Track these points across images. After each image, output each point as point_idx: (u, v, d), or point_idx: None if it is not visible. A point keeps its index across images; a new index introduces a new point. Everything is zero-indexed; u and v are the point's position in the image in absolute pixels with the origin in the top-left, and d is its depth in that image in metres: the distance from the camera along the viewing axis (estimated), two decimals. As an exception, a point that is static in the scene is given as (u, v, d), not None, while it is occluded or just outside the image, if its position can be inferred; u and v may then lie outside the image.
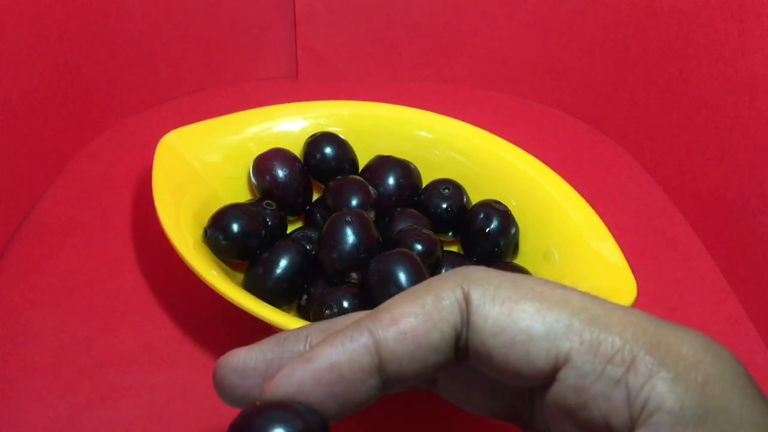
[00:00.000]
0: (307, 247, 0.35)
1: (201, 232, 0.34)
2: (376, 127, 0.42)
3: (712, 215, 0.43)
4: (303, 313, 0.33)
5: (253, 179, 0.38)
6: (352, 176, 0.38)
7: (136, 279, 0.37)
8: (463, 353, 0.16)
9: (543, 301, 0.15)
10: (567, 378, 0.14)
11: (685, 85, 0.45)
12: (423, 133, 0.42)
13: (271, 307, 0.29)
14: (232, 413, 0.32)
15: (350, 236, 0.33)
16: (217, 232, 0.33)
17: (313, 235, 0.37)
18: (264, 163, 0.38)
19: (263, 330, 0.35)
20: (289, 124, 0.41)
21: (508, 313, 0.15)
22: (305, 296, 0.34)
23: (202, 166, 0.37)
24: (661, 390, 0.13)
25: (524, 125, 0.52)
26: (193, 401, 0.32)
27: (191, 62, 0.52)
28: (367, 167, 0.39)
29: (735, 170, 0.41)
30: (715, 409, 0.13)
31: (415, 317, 0.15)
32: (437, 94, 0.54)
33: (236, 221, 0.34)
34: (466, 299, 0.15)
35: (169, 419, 0.31)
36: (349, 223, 0.33)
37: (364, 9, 0.53)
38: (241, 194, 0.39)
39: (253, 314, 0.28)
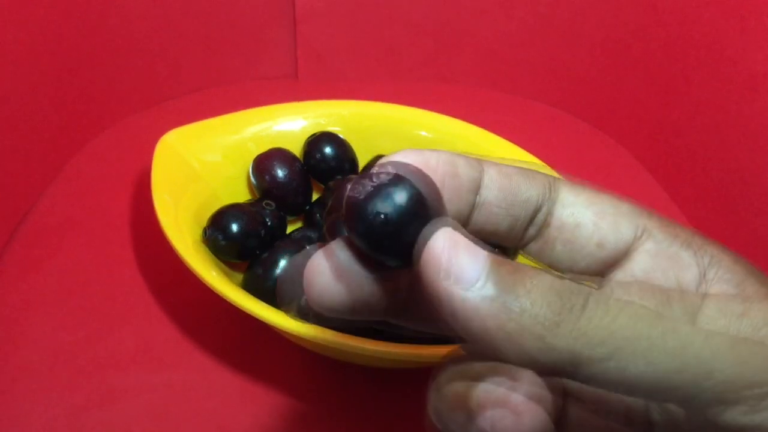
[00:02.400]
0: (307, 247, 0.35)
1: (200, 232, 0.34)
2: (376, 127, 0.42)
3: (712, 215, 0.43)
4: (303, 313, 0.33)
5: (252, 179, 0.38)
6: (352, 176, 0.38)
7: (135, 279, 0.37)
8: (533, 229, 0.18)
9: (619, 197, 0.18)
10: (647, 246, 0.18)
11: (685, 85, 0.45)
12: (423, 133, 0.42)
13: (271, 307, 0.29)
14: (231, 414, 0.32)
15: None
16: (217, 232, 0.33)
17: (313, 235, 0.36)
18: (263, 163, 0.38)
19: (263, 330, 0.35)
20: (289, 124, 0.40)
21: (596, 192, 0.18)
22: (305, 296, 0.33)
23: (202, 165, 0.37)
24: (718, 251, 0.17)
25: (524, 125, 0.52)
26: (192, 402, 0.32)
27: (191, 62, 0.52)
28: (367, 167, 0.39)
29: (735, 170, 0.41)
30: (756, 271, 0.17)
31: (516, 170, 0.18)
32: (437, 94, 0.54)
33: (235, 221, 0.33)
34: (552, 184, 0.18)
35: (168, 420, 0.31)
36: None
37: (364, 8, 0.53)
38: (241, 194, 0.39)
39: (252, 314, 0.28)
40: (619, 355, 0.13)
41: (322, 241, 0.34)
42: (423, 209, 0.15)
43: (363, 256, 0.15)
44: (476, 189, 0.17)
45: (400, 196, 0.14)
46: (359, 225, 0.14)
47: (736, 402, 0.13)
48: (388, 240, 0.14)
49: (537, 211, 0.18)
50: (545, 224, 0.18)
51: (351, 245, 0.16)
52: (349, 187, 0.15)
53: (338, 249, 0.16)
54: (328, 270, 0.16)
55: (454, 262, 0.14)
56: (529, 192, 0.18)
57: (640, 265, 0.18)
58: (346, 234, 0.15)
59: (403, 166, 0.15)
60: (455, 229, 0.15)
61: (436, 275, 0.14)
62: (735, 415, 0.13)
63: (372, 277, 0.16)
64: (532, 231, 0.18)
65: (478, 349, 0.14)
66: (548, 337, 0.13)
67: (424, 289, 0.14)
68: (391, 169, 0.15)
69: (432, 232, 0.14)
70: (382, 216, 0.14)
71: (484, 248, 0.14)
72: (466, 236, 0.14)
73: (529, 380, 0.14)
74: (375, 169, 0.15)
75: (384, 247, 0.14)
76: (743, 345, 0.13)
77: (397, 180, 0.15)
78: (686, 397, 0.14)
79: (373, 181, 0.14)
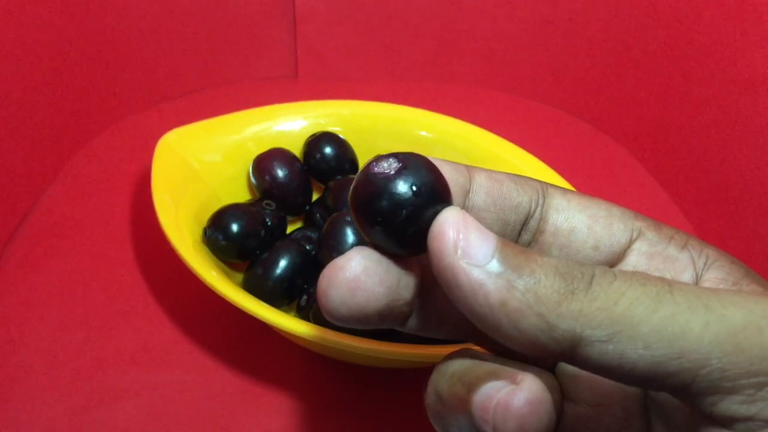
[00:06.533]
0: (307, 247, 0.35)
1: (200, 232, 0.34)
2: (376, 126, 0.42)
3: (713, 215, 0.43)
4: (303, 313, 0.33)
5: (252, 179, 0.38)
6: (352, 176, 0.38)
7: (135, 279, 0.37)
8: (527, 235, 0.18)
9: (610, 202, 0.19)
10: (641, 247, 0.18)
11: (685, 85, 0.45)
12: (423, 133, 0.42)
13: (271, 307, 0.29)
14: (231, 414, 0.32)
15: (350, 236, 0.32)
16: (217, 233, 0.33)
17: (313, 235, 0.36)
18: (263, 163, 0.38)
19: (263, 330, 0.35)
20: (289, 124, 0.40)
21: (588, 197, 0.18)
22: (305, 296, 0.34)
23: (202, 165, 0.37)
24: (714, 253, 0.17)
25: (524, 125, 0.52)
26: (192, 401, 0.32)
27: (191, 62, 0.52)
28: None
29: (735, 170, 0.41)
30: (753, 272, 0.17)
31: (506, 176, 0.18)
32: (437, 94, 0.54)
33: (235, 221, 0.33)
34: (544, 190, 0.18)
35: (168, 420, 0.31)
36: (349, 223, 0.33)
37: (364, 9, 0.53)
38: (241, 194, 0.39)
39: (252, 314, 0.28)
40: (618, 338, 0.13)
41: (323, 241, 0.34)
42: (444, 189, 0.15)
43: (380, 252, 0.16)
44: (464, 193, 0.17)
45: (426, 174, 0.15)
46: (384, 201, 0.14)
47: (732, 391, 0.13)
48: (412, 218, 0.15)
49: (529, 216, 0.18)
50: (539, 230, 0.18)
51: (367, 252, 0.16)
52: (370, 170, 0.15)
53: (353, 260, 0.16)
54: (343, 281, 0.16)
55: (463, 237, 0.14)
56: (520, 197, 0.18)
57: (636, 267, 0.18)
58: (367, 220, 0.15)
59: (406, 152, 0.15)
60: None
61: (444, 249, 0.14)
62: (731, 404, 0.14)
63: (386, 288, 0.16)
64: (526, 237, 0.18)
65: (479, 332, 0.14)
66: (550, 316, 0.13)
67: (431, 265, 0.14)
68: (398, 154, 0.15)
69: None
70: (414, 190, 0.14)
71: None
72: None
73: (531, 383, 0.14)
74: (376, 158, 0.15)
75: (407, 225, 0.15)
76: (741, 334, 0.13)
77: (414, 158, 0.15)
78: (682, 384, 0.14)
79: (389, 163, 0.15)
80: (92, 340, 0.34)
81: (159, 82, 0.50)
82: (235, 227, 0.33)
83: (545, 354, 0.14)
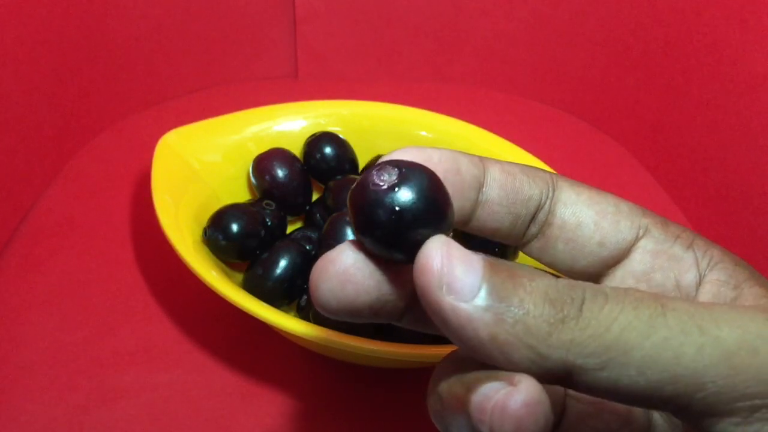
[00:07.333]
0: (307, 247, 0.35)
1: (200, 232, 0.34)
2: (376, 126, 0.42)
3: (713, 215, 0.43)
4: (303, 313, 0.33)
5: (252, 179, 0.38)
6: (352, 176, 0.38)
7: (135, 279, 0.37)
8: (535, 228, 0.18)
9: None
10: (647, 245, 0.18)
11: (685, 85, 0.45)
12: (423, 133, 0.42)
13: (271, 307, 0.29)
14: (231, 414, 0.32)
15: (350, 236, 0.32)
16: (217, 233, 0.33)
17: (313, 235, 0.36)
18: (264, 163, 0.38)
19: (263, 330, 0.35)
20: (289, 124, 0.40)
21: (597, 191, 0.18)
22: (305, 296, 0.34)
23: (202, 165, 0.37)
24: (719, 253, 0.17)
25: (524, 125, 0.52)
26: (192, 401, 0.32)
27: (191, 62, 0.52)
28: (367, 167, 0.39)
29: (735, 170, 0.41)
30: (756, 273, 0.17)
31: (518, 168, 0.18)
32: (437, 93, 0.54)
33: (235, 221, 0.33)
34: (554, 182, 0.18)
35: (168, 420, 0.31)
36: (349, 223, 0.33)
37: (364, 9, 0.53)
38: (241, 194, 0.39)
39: (252, 314, 0.28)
40: (611, 365, 0.13)
41: (323, 241, 0.34)
42: (436, 211, 0.15)
43: (370, 254, 0.16)
44: (478, 186, 0.17)
45: (420, 194, 0.14)
46: (379, 215, 0.14)
47: (728, 414, 0.13)
48: (396, 237, 0.14)
49: (539, 209, 0.18)
50: (547, 223, 0.18)
51: (358, 246, 0.16)
52: (368, 177, 0.15)
53: (343, 253, 0.16)
54: (333, 274, 0.15)
55: (447, 272, 0.14)
56: (531, 190, 0.18)
57: (641, 264, 0.18)
58: (357, 226, 0.15)
59: (413, 163, 0.15)
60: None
61: (428, 285, 0.14)
62: (727, 426, 0.14)
63: (376, 281, 0.16)
64: (533, 229, 0.18)
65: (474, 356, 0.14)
66: (540, 347, 0.13)
67: (418, 295, 0.14)
68: (402, 165, 0.15)
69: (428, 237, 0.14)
70: (398, 212, 0.14)
71: (477, 255, 0.14)
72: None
73: (528, 384, 0.14)
74: (381, 163, 0.15)
75: (398, 240, 0.14)
76: (736, 356, 0.13)
77: (416, 172, 0.15)
78: (679, 407, 0.14)
79: (389, 174, 0.14)
80: (92, 340, 0.34)
81: (159, 82, 0.51)
82: (235, 227, 0.33)
83: (539, 380, 0.14)
